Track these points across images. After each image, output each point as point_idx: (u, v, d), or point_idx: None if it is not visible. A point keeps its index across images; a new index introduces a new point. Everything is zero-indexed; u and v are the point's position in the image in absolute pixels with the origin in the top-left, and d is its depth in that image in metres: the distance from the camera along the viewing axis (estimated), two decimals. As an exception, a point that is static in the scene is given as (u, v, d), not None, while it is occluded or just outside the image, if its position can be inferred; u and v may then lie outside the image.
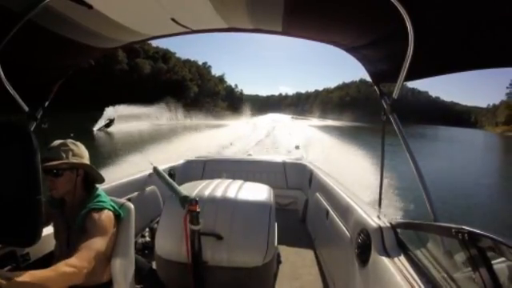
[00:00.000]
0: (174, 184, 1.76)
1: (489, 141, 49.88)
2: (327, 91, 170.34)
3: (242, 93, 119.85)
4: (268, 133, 16.72)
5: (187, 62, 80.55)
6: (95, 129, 23.45)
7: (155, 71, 62.52)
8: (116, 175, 2.76)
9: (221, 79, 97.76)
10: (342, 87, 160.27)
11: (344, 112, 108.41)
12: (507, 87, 79.74)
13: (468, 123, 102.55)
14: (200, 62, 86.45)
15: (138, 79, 55.04)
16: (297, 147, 13.19)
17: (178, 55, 76.04)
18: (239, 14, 1.39)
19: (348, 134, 26.81)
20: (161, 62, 65.84)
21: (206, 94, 77.64)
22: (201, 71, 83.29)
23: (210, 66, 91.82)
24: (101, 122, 24.78)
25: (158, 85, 58.79)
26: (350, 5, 1.11)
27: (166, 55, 69.42)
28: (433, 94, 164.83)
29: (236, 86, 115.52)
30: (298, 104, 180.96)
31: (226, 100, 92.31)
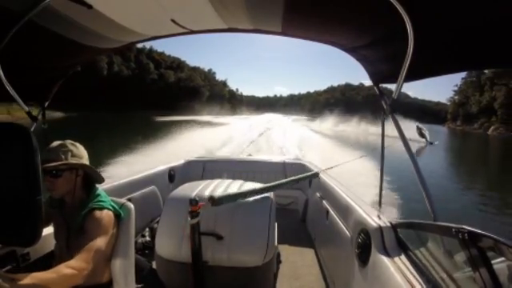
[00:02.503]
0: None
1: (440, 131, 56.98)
2: (317, 93, 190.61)
3: (241, 95, 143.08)
4: (267, 129, 19.98)
5: (196, 69, 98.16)
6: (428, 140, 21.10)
7: (176, 79, 79.75)
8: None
9: (224, 84, 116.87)
10: (329, 90, 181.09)
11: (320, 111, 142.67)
12: (452, 90, 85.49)
13: (445, 120, 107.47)
14: (196, 65, 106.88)
15: (165, 86, 71.37)
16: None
17: (187, 62, 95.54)
18: (239, 14, 1.39)
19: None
20: (180, 71, 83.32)
21: (215, 97, 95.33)
22: (207, 77, 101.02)
23: (214, 73, 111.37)
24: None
25: (181, 90, 75.76)
26: (349, 5, 1.11)
27: (180, 64, 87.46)
28: (411, 94, 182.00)
29: (237, 89, 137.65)
30: (291, 104, 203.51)
31: (230, 102, 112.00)
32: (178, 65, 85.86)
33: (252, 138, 14.87)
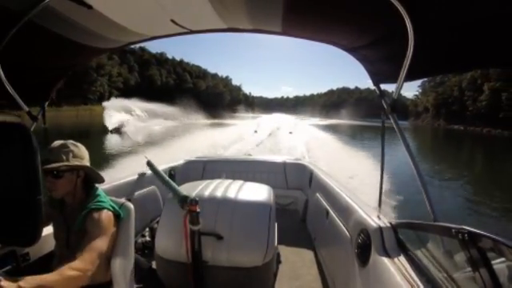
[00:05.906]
0: (172, 183, 1.76)
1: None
2: (318, 96, 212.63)
3: (253, 98, 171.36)
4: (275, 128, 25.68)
5: (215, 75, 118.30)
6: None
7: (205, 87, 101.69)
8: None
9: (239, 88, 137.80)
10: (328, 93, 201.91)
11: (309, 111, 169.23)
12: (414, 94, 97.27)
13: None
14: (208, 69, 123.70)
15: (197, 93, 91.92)
16: (290, 133, 21.80)
17: (201, 68, 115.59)
18: (238, 14, 1.39)
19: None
20: (205, 79, 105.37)
21: (234, 101, 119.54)
22: (225, 83, 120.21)
23: (231, 79, 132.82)
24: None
25: (209, 96, 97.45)
26: (349, 5, 1.11)
27: (204, 73, 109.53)
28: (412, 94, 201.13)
29: (250, 93, 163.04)
30: (296, 106, 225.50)
31: (245, 104, 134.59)
32: (203, 73, 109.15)
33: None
